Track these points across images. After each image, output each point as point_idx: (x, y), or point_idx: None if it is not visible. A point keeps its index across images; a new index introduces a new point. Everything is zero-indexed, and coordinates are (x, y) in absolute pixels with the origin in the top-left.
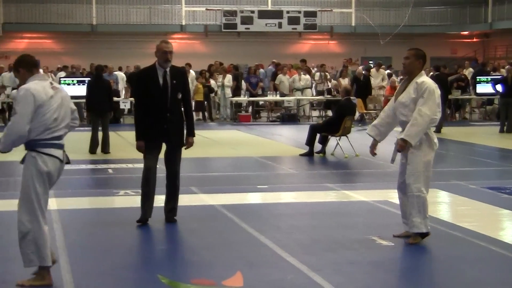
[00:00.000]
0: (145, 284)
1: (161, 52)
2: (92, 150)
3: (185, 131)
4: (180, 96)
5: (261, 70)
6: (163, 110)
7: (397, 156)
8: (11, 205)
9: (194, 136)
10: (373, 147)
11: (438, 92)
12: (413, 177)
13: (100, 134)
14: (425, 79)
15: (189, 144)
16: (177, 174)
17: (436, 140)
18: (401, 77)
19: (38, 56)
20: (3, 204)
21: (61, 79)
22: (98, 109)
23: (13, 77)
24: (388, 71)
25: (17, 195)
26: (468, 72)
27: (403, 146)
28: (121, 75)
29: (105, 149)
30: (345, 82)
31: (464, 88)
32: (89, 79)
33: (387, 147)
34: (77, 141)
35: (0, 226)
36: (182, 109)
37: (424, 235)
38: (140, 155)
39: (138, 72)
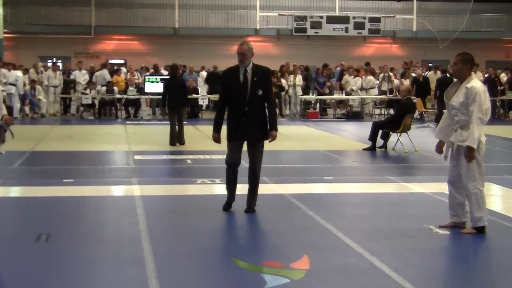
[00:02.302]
0: (220, 266)
1: (236, 54)
2: (172, 142)
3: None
4: (260, 92)
5: (337, 70)
6: (241, 104)
7: (448, 152)
8: (98, 191)
9: (276, 129)
10: (439, 146)
11: (487, 95)
12: (468, 177)
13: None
14: (474, 83)
15: (272, 137)
16: (257, 168)
17: (483, 138)
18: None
19: (125, 56)
20: (91, 189)
21: (145, 77)
22: (174, 105)
23: (103, 74)
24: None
25: (103, 182)
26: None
27: (471, 156)
28: (202, 74)
29: (180, 141)
30: (406, 83)
31: None
32: (166, 77)
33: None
34: (158, 134)
35: (94, 209)
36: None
37: (481, 228)
38: (217, 146)
39: (223, 71)
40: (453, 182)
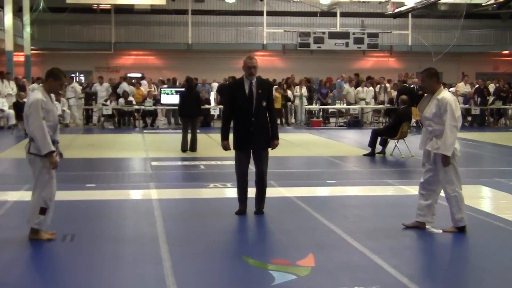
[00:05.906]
0: (231, 264)
1: (246, 67)
2: (183, 148)
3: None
4: (264, 104)
5: (338, 81)
6: (248, 116)
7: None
8: (118, 194)
9: (278, 139)
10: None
11: (457, 104)
12: (446, 182)
13: (189, 136)
14: (444, 94)
15: (274, 146)
16: (264, 173)
17: (457, 145)
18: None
19: (142, 70)
20: (112, 193)
21: (162, 89)
22: (189, 115)
23: (123, 87)
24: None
25: (123, 186)
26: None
27: (447, 161)
28: (213, 85)
29: (193, 148)
30: (394, 93)
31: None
32: (182, 89)
33: None
34: (173, 142)
35: (114, 212)
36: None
37: (462, 228)
38: (227, 153)
39: (229, 83)
40: (424, 185)
